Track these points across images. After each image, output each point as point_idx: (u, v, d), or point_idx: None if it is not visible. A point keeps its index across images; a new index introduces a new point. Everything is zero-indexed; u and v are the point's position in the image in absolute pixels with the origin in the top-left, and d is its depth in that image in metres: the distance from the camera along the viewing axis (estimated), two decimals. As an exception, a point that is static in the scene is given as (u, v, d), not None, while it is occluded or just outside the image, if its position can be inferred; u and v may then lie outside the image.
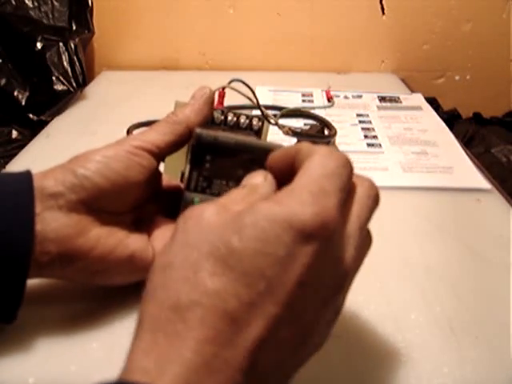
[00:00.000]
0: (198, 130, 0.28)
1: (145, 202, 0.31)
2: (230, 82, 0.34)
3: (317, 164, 0.21)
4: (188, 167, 0.28)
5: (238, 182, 0.25)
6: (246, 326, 0.18)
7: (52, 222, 0.26)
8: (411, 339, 0.30)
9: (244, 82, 0.34)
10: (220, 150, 0.27)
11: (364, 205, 0.23)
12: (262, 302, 0.18)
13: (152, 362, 0.17)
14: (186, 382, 0.16)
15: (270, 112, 0.63)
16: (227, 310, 0.17)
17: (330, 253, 0.20)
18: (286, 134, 0.46)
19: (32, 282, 0.32)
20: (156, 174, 0.31)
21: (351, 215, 0.22)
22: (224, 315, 0.17)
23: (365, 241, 0.24)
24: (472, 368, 0.29)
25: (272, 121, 0.36)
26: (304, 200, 0.19)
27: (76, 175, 0.27)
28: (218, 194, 0.27)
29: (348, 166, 0.23)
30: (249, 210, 0.19)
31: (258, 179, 0.23)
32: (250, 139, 0.28)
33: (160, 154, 0.30)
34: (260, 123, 0.33)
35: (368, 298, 0.34)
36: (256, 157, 0.26)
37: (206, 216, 0.20)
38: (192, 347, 0.17)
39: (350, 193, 0.23)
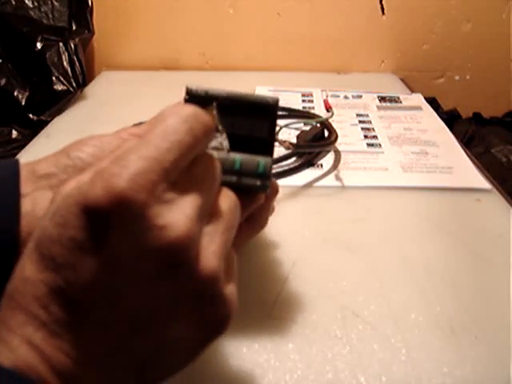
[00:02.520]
0: (189, 85, 0.27)
1: None
2: None
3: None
4: None
5: (233, 133, 0.25)
6: (56, 311, 0.18)
7: (42, 201, 0.26)
8: (411, 339, 0.30)
9: None
10: (211, 103, 0.27)
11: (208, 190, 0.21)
12: (69, 287, 0.18)
13: None
14: None
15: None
16: (36, 296, 0.18)
17: (132, 229, 0.18)
18: (287, 148, 0.46)
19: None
20: None
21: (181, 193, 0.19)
22: (34, 300, 0.18)
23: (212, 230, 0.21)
24: (472, 368, 0.29)
25: None
26: (97, 176, 0.18)
27: (70, 157, 0.27)
28: (213, 148, 0.27)
29: (188, 122, 0.20)
30: (63, 191, 0.19)
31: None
32: (242, 93, 0.27)
33: None
34: None
35: (368, 297, 0.34)
36: (247, 109, 0.26)
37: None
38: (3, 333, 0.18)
39: (200, 164, 0.21)
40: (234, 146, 0.25)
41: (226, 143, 0.25)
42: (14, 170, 0.27)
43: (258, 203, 0.27)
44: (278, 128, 0.49)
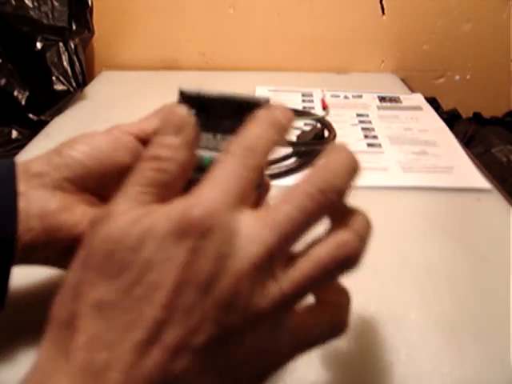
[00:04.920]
0: (181, 88, 0.28)
1: None
2: None
3: None
4: None
5: (225, 133, 0.26)
6: (129, 331, 0.17)
7: (36, 199, 0.27)
8: (411, 339, 0.30)
9: None
10: (204, 104, 0.27)
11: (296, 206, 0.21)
12: (142, 307, 0.17)
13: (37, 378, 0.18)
14: None
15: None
16: (108, 318, 0.17)
17: (211, 248, 0.18)
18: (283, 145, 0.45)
19: (32, 282, 0.32)
20: None
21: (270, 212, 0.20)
22: (105, 323, 0.17)
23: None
24: (472, 368, 0.29)
25: None
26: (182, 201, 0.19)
27: (62, 155, 0.28)
28: (206, 148, 0.27)
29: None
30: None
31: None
32: (234, 93, 0.27)
33: (147, 139, 0.30)
34: None
35: (368, 298, 0.34)
36: (239, 109, 0.26)
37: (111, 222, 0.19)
38: (75, 357, 0.17)
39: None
40: None
41: (213, 143, 0.26)
42: (11, 171, 0.27)
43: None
44: None
